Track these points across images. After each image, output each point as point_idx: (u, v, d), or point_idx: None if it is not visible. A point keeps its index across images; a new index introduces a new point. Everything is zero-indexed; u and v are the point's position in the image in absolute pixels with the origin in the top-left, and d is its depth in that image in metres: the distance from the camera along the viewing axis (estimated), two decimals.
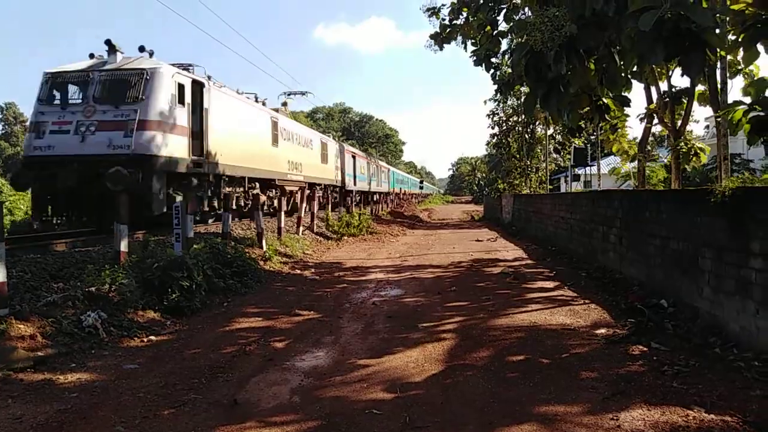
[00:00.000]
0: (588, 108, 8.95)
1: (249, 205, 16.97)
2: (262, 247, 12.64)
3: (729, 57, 8.06)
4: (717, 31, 5.92)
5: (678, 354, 5.33)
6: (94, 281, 7.11)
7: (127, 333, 6.32)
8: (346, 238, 19.12)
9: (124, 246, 8.35)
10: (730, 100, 7.65)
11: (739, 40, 6.46)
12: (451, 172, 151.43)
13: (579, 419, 3.97)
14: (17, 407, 4.22)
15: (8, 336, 5.38)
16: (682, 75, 6.26)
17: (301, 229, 17.15)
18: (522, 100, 26.61)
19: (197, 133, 13.73)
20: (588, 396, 4.39)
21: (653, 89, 11.41)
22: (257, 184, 17.97)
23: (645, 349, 5.57)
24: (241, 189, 16.78)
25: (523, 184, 32.46)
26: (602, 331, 6.38)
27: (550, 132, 29.90)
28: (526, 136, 33.03)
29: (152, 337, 6.35)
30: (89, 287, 6.94)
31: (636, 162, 13.79)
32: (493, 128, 37.20)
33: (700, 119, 33.83)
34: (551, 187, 34.94)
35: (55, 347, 5.53)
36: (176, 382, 4.82)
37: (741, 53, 6.89)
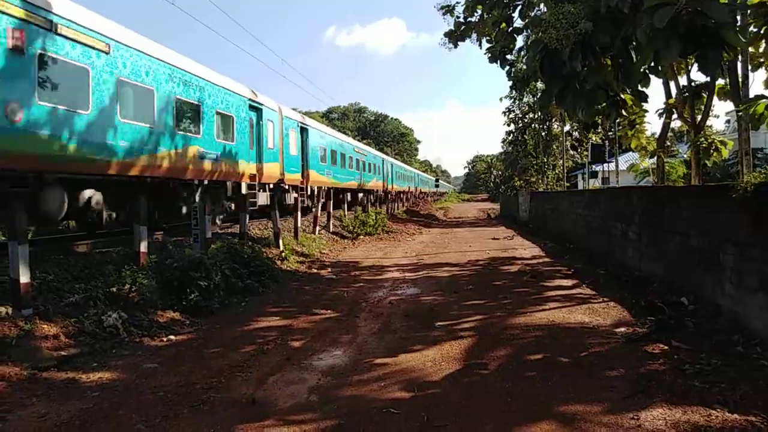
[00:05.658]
0: (604, 104, 8.84)
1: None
2: (279, 247, 12.74)
3: (750, 50, 7.90)
4: (737, 25, 5.82)
5: (699, 352, 5.25)
6: (115, 282, 7.23)
7: (147, 333, 6.42)
8: (362, 237, 19.15)
9: (143, 247, 8.48)
10: (751, 94, 7.51)
11: (761, 32, 6.34)
12: (466, 170, 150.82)
13: (599, 419, 3.93)
14: (41, 406, 4.31)
15: (33, 336, 5.51)
16: (698, 71, 6.17)
17: (318, 228, 17.23)
18: (538, 96, 26.41)
19: None
20: (608, 395, 4.35)
21: (672, 84, 11.24)
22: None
23: (666, 347, 5.49)
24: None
25: (540, 181, 32.20)
26: (622, 329, 6.30)
27: (567, 128, 29.63)
28: (543, 133, 32.76)
29: (172, 337, 6.43)
30: (110, 288, 7.06)
31: (655, 158, 13.60)
32: (509, 125, 37.08)
33: (721, 114, 33.25)
34: (568, 184, 34.60)
35: (77, 347, 5.65)
36: (195, 381, 4.88)
37: (763, 46, 6.76)
